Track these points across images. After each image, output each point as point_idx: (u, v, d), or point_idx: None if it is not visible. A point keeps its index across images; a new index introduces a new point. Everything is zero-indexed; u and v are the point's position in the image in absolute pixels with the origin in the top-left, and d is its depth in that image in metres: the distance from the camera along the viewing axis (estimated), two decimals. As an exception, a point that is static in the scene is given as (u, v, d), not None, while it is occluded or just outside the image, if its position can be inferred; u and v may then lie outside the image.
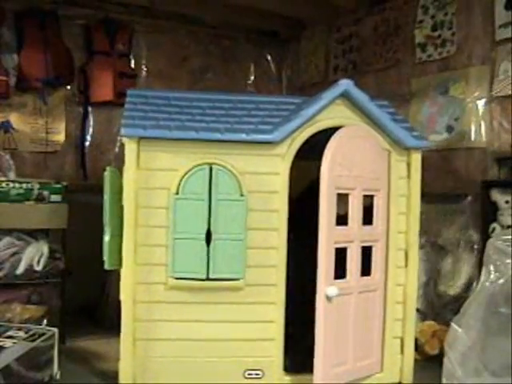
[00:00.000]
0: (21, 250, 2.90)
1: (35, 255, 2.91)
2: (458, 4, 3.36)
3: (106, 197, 2.47)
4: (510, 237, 2.30)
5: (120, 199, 2.35)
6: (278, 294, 2.35)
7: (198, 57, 4.42)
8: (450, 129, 3.37)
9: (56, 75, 3.75)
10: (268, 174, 2.34)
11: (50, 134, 3.87)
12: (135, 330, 2.28)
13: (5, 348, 1.98)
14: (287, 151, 2.34)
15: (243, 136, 2.31)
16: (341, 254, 2.27)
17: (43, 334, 2.16)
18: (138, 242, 2.27)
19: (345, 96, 2.39)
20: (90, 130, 4.03)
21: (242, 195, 2.30)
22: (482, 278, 2.30)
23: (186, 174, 2.29)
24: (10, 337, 2.10)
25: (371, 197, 2.40)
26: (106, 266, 2.43)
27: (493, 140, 3.17)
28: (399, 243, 2.46)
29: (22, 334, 2.14)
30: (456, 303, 2.85)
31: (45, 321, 2.80)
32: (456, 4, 3.37)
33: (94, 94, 3.93)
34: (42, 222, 2.97)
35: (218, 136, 2.31)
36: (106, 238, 2.41)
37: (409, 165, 2.47)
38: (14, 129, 3.77)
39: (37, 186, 2.96)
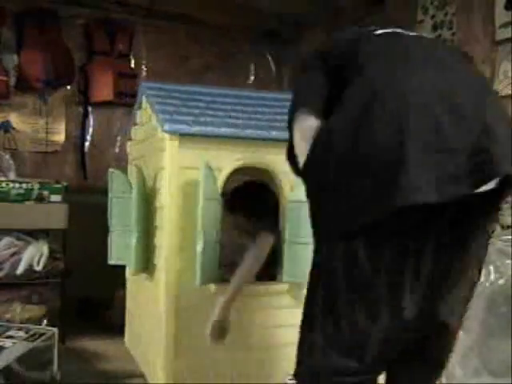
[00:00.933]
0: (21, 250, 2.90)
1: (35, 255, 2.91)
2: (458, 4, 3.36)
3: (134, 196, 2.33)
4: (510, 237, 2.30)
5: (146, 199, 2.28)
6: None
7: (198, 57, 4.42)
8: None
9: (56, 75, 3.75)
10: None
11: (49, 134, 3.87)
12: (178, 337, 2.15)
13: (5, 348, 1.97)
14: None
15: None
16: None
17: (43, 334, 2.14)
18: (179, 245, 2.13)
19: None
20: (90, 130, 4.03)
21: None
22: (482, 278, 2.30)
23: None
24: (10, 337, 2.08)
25: None
26: (133, 271, 2.33)
27: (493, 140, 3.17)
28: None
29: (22, 334, 2.12)
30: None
31: (45, 321, 2.80)
32: (456, 4, 3.37)
33: (94, 94, 3.93)
34: (42, 222, 2.97)
35: (264, 134, 2.18)
36: (133, 241, 2.29)
37: None
38: (14, 129, 3.77)
39: (37, 186, 2.97)
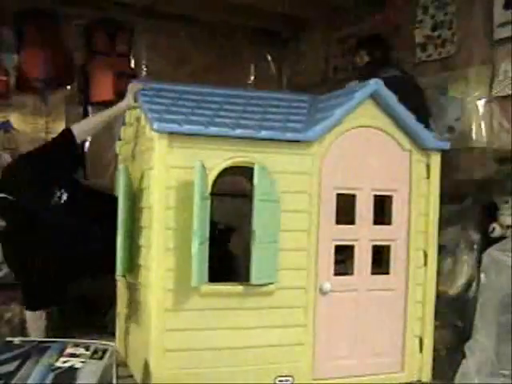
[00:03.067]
0: (21, 249, 2.90)
1: (35, 255, 2.91)
2: (458, 4, 3.36)
3: (120, 196, 2.31)
4: (508, 246, 2.29)
5: (131, 199, 2.26)
6: (308, 297, 2.26)
7: (198, 57, 4.42)
8: (450, 129, 3.37)
9: (56, 75, 3.75)
10: (299, 173, 2.23)
11: (49, 134, 3.87)
12: (166, 339, 2.09)
13: (78, 369, 1.79)
14: (318, 151, 2.26)
15: (279, 134, 2.20)
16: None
17: (106, 350, 1.96)
18: (167, 245, 2.09)
19: (372, 95, 2.32)
20: (90, 129, 4.03)
21: (277, 195, 2.18)
22: (481, 288, 2.31)
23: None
24: (73, 355, 1.89)
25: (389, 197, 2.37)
26: (119, 273, 2.29)
27: (493, 140, 3.17)
28: (419, 243, 2.43)
29: (82, 350, 1.93)
30: (456, 303, 2.85)
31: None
32: (456, 4, 3.37)
33: (94, 94, 3.94)
34: (42, 222, 2.97)
35: (253, 133, 2.16)
36: (119, 241, 2.26)
37: (428, 166, 2.46)
38: (14, 129, 3.77)
39: (37, 185, 2.97)
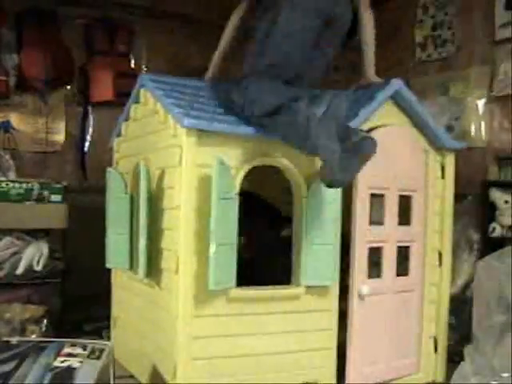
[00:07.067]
0: (21, 250, 2.91)
1: (35, 255, 2.91)
2: (458, 4, 3.36)
3: (142, 197, 2.19)
4: (502, 255, 2.29)
5: (151, 199, 2.18)
6: (333, 300, 2.24)
7: (198, 57, 4.41)
8: (450, 129, 3.37)
9: (56, 75, 3.75)
10: None
11: (49, 134, 3.87)
12: (192, 346, 2.02)
13: (75, 368, 1.76)
14: None
15: None
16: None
17: (103, 350, 1.93)
18: (195, 248, 1.99)
19: (392, 95, 2.32)
20: (90, 129, 4.03)
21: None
22: (474, 294, 2.31)
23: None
24: (70, 354, 1.86)
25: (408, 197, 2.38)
26: (142, 277, 2.20)
27: (493, 140, 3.17)
28: (434, 243, 2.44)
29: (80, 350, 1.89)
30: (455, 302, 2.85)
31: (45, 321, 2.80)
32: (456, 4, 3.37)
33: (94, 94, 3.93)
34: (42, 222, 2.97)
35: None
36: (142, 244, 2.16)
37: (443, 166, 2.46)
38: (14, 129, 3.76)
39: (37, 185, 2.97)
